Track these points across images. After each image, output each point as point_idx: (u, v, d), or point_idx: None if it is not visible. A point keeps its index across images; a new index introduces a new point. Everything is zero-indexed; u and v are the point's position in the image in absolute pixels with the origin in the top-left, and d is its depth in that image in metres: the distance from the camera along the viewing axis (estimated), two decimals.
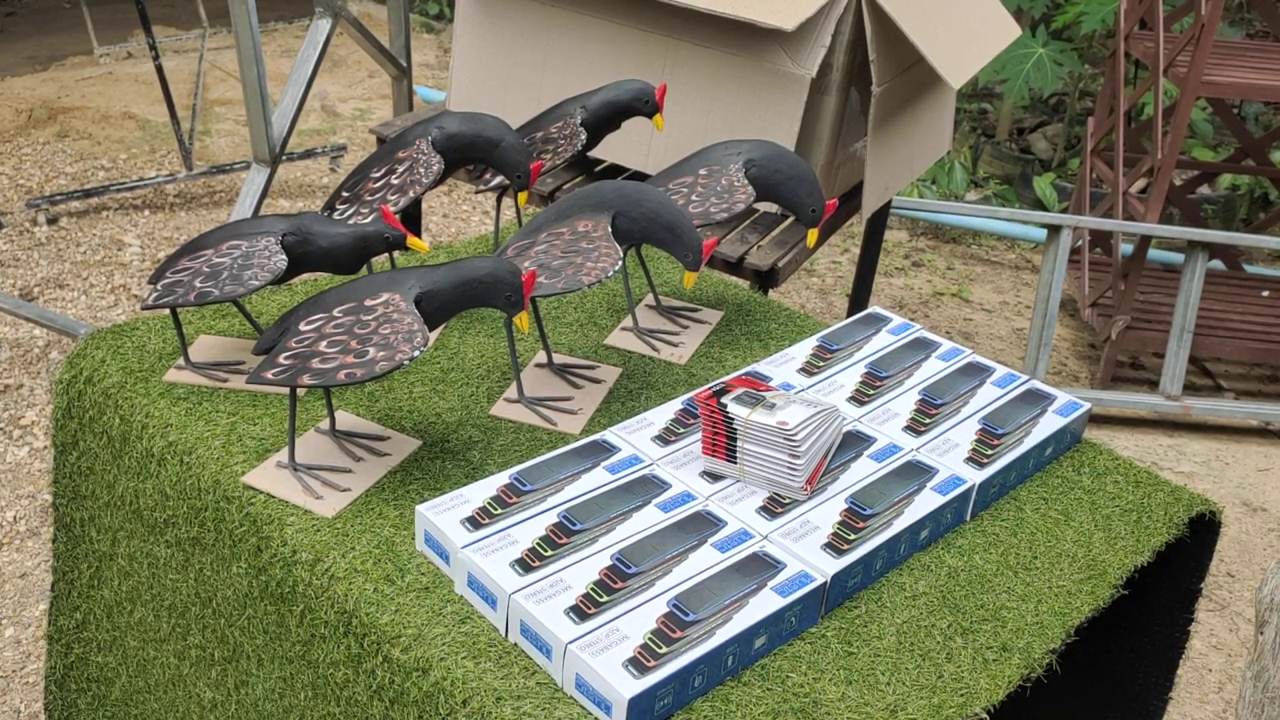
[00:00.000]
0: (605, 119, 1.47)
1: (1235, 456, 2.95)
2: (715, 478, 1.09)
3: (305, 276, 1.41)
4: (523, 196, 1.36)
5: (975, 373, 1.30)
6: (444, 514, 0.99)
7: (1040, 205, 4.11)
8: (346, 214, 1.31)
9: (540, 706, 0.86)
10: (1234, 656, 2.26)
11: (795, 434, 1.04)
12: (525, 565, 0.94)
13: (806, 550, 1.00)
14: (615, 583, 0.94)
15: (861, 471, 1.11)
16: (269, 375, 1.02)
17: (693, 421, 1.16)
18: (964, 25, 1.91)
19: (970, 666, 0.95)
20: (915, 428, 1.19)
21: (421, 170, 1.30)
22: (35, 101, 4.17)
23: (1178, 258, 3.68)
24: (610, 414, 1.22)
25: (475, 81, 2.00)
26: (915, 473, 1.11)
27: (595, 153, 1.90)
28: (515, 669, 0.89)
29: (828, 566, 0.98)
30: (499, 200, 1.52)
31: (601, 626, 0.89)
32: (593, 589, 0.93)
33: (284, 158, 2.56)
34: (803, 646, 0.95)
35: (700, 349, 1.38)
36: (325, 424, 1.15)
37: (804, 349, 1.33)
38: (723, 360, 1.36)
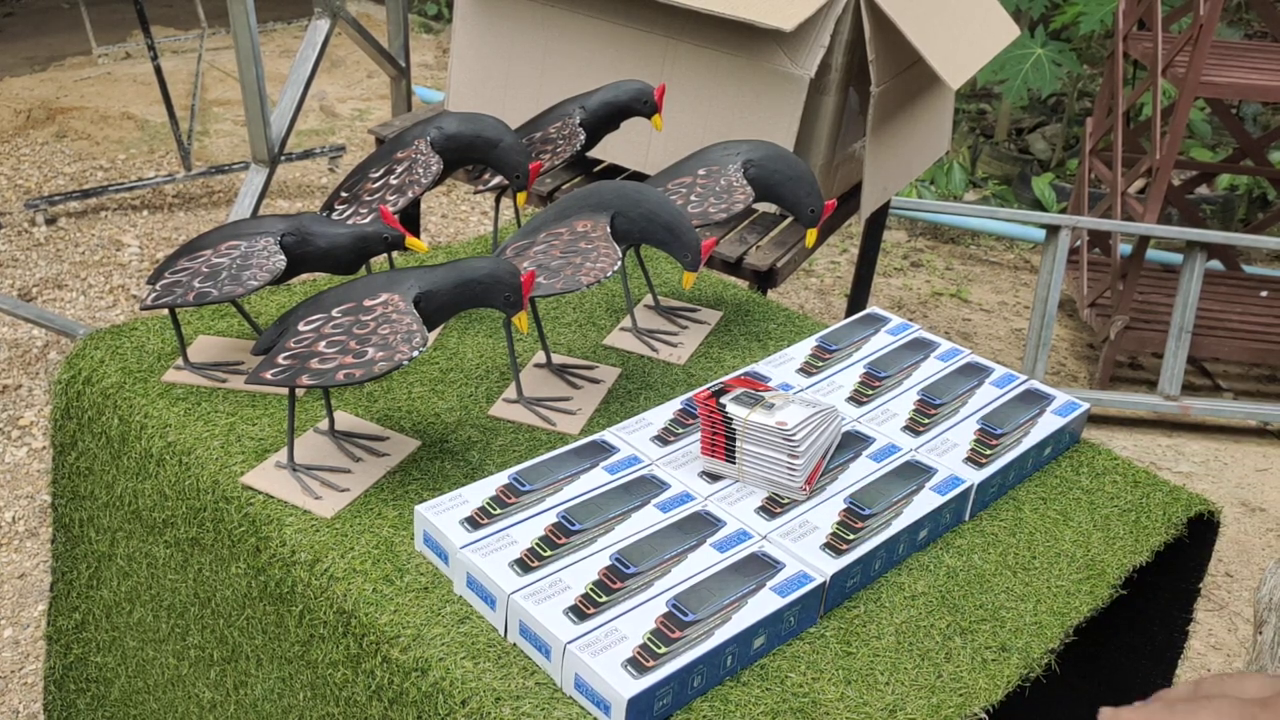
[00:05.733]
0: (604, 119, 1.47)
1: (1234, 457, 2.95)
2: (714, 478, 1.09)
3: (304, 277, 1.41)
4: (521, 197, 1.36)
5: (974, 373, 1.30)
6: (443, 514, 0.99)
7: (1039, 205, 4.11)
8: (345, 214, 1.31)
9: (539, 707, 0.86)
10: (1232, 657, 2.26)
11: (794, 434, 1.04)
12: (524, 565, 0.94)
13: (805, 550, 1.00)
14: (614, 583, 0.94)
15: (860, 471, 1.11)
16: (268, 376, 1.02)
17: (691, 422, 1.16)
18: (963, 26, 1.91)
19: (969, 666, 0.95)
20: (914, 428, 1.19)
21: (420, 171, 1.30)
22: (34, 102, 4.17)
23: (1176, 258, 3.68)
24: (609, 414, 1.22)
25: (474, 82, 2.00)
26: (914, 473, 1.11)
27: (594, 153, 1.90)
28: (514, 669, 0.89)
29: (827, 566, 0.98)
30: (498, 200, 1.52)
31: (600, 627, 0.89)
32: (591, 589, 0.93)
33: (283, 158, 2.56)
34: (802, 646, 0.95)
35: (699, 349, 1.38)
36: (324, 424, 1.15)
37: (803, 349, 1.33)
38: (721, 360, 1.36)
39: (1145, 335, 3.11)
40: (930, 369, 1.30)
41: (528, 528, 0.99)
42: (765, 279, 1.76)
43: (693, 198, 1.36)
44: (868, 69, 1.75)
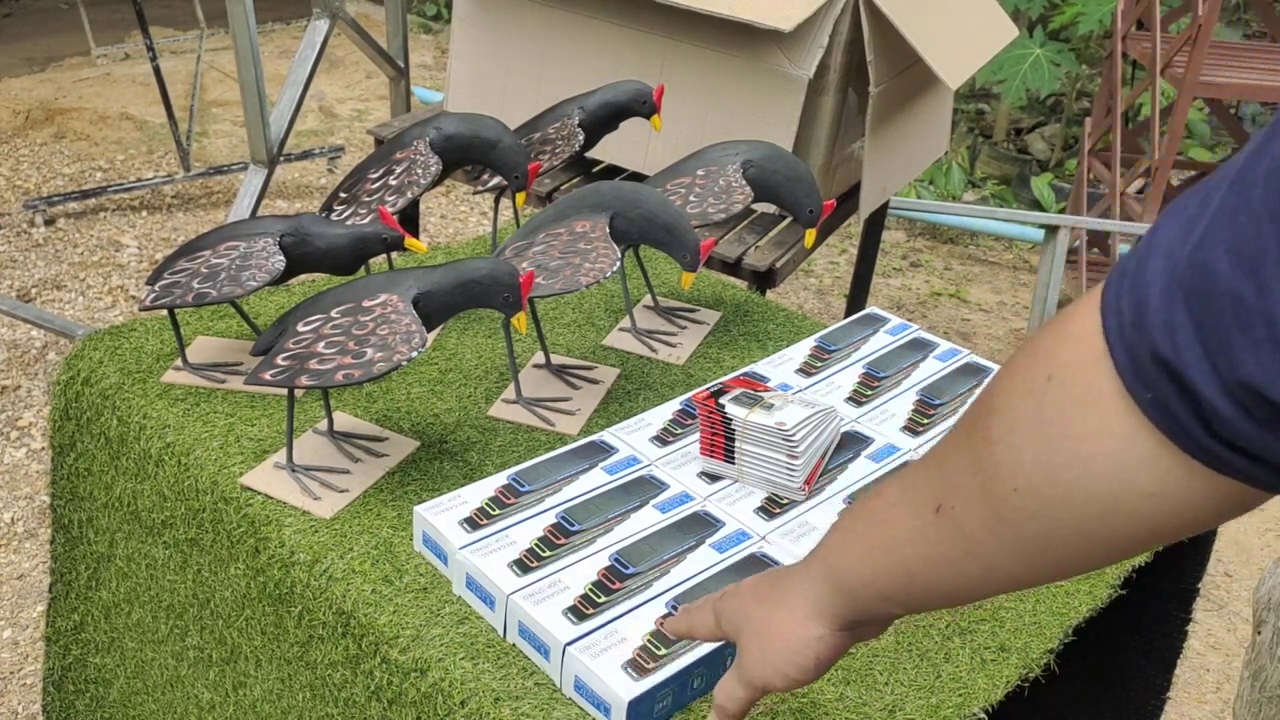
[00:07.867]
0: (603, 120, 1.46)
1: None
2: (713, 478, 1.09)
3: (303, 277, 1.41)
4: (520, 197, 1.36)
5: (973, 373, 1.30)
6: (442, 515, 0.99)
7: (1038, 206, 4.11)
8: (344, 215, 1.31)
9: (539, 707, 0.86)
10: (1232, 656, 2.26)
11: (793, 434, 1.04)
12: (523, 566, 0.94)
13: (805, 551, 0.99)
14: (613, 583, 0.94)
15: (859, 472, 1.11)
16: (267, 376, 1.02)
17: (691, 422, 1.16)
18: (961, 26, 1.91)
19: (968, 666, 0.95)
20: (913, 428, 1.19)
21: (419, 171, 1.30)
22: (33, 102, 4.17)
23: None
24: (608, 415, 1.22)
25: (473, 82, 2.00)
26: None
27: (593, 153, 1.90)
28: (513, 670, 0.89)
29: None
30: (497, 201, 1.52)
31: (600, 628, 0.89)
32: (591, 590, 0.93)
33: (281, 159, 2.56)
34: None
35: (698, 350, 1.38)
36: (323, 425, 1.15)
37: (802, 349, 1.33)
38: (720, 361, 1.36)
39: None
40: (929, 369, 1.30)
41: (527, 528, 0.99)
42: (764, 279, 1.76)
43: (691, 198, 1.36)
44: (866, 69, 1.75)
